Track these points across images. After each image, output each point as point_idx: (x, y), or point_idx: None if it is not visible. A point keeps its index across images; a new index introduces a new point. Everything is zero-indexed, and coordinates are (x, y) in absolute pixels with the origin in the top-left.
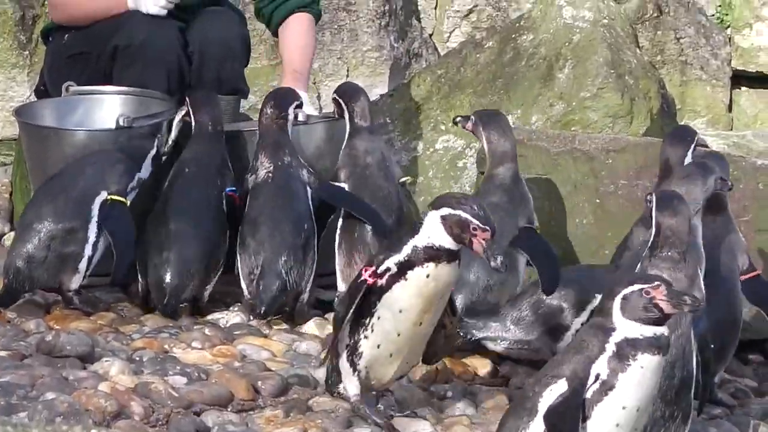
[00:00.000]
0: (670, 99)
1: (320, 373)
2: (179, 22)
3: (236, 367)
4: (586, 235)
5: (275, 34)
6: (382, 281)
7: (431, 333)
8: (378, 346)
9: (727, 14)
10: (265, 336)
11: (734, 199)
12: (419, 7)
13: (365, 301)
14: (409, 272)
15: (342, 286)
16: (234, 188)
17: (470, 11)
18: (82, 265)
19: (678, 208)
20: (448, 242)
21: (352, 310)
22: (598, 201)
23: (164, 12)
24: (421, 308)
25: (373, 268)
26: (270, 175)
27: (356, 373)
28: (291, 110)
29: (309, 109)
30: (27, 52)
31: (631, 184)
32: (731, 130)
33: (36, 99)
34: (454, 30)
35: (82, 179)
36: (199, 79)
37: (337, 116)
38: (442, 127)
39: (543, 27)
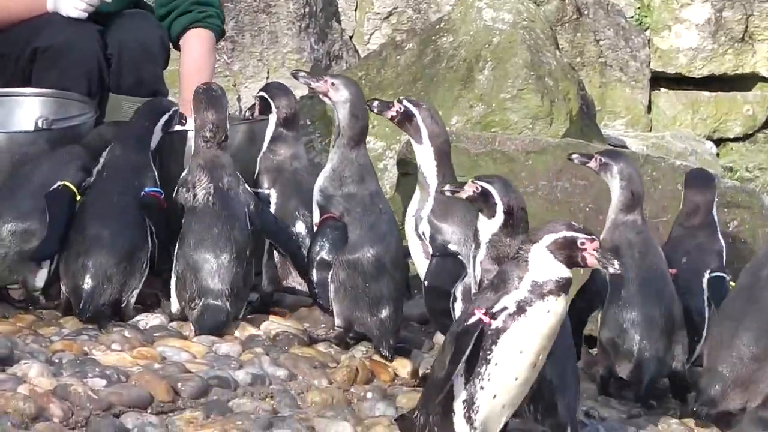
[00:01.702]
0: (590, 100)
1: (240, 375)
2: (98, 25)
3: (156, 369)
4: None
5: (177, 47)
6: (497, 322)
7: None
8: (494, 397)
9: (646, 16)
10: (186, 338)
11: (653, 199)
12: (339, 9)
13: (475, 347)
14: (529, 309)
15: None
16: (157, 189)
17: (390, 13)
18: (46, 262)
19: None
20: (562, 270)
21: (465, 358)
22: None
23: (84, 15)
24: (542, 346)
25: (484, 308)
26: (210, 197)
27: (473, 431)
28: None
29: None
30: None
31: (551, 185)
32: (650, 131)
33: None
34: (374, 32)
35: (39, 175)
36: (118, 81)
37: (258, 115)
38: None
39: (463, 29)
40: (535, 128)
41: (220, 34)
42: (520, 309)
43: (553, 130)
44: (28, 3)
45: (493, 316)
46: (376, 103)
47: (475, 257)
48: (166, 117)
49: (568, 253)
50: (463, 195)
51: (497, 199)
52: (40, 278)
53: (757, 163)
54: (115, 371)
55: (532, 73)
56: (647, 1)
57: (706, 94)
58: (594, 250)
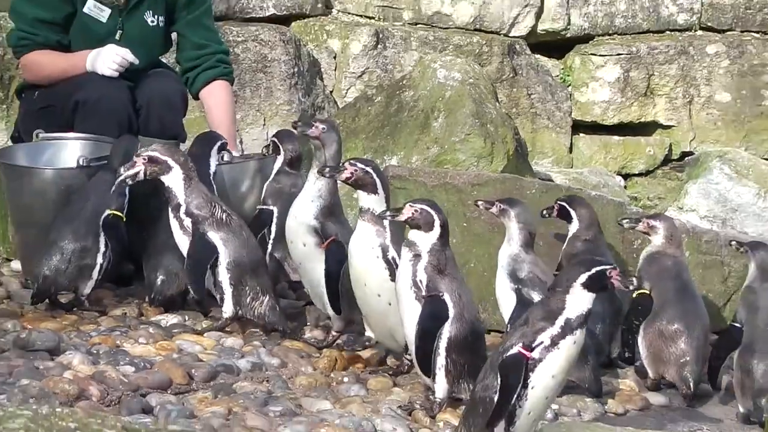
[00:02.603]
0: (523, 143)
1: (242, 363)
2: (128, 81)
3: (174, 358)
4: (456, 252)
5: (196, 97)
6: (535, 355)
7: None
8: (529, 413)
9: (568, 75)
10: (199, 333)
11: None
12: (322, 69)
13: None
14: (561, 342)
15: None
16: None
17: (363, 73)
18: (95, 273)
19: None
20: (591, 300)
21: (521, 385)
22: (465, 224)
23: (116, 74)
24: (568, 369)
25: (522, 343)
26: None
27: None
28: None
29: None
30: (4, 106)
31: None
32: (571, 167)
33: (12, 144)
34: (349, 88)
35: (89, 204)
36: (145, 127)
37: (270, 154)
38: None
39: (421, 85)
40: (479, 165)
41: (233, 81)
42: (554, 343)
43: (494, 167)
44: (71, 64)
45: (531, 350)
46: (327, 170)
47: (415, 264)
48: (218, 145)
49: (602, 285)
50: (403, 218)
51: (435, 216)
52: (89, 287)
53: (656, 193)
54: (142, 360)
55: (476, 120)
56: (569, 62)
57: (616, 138)
58: (617, 275)
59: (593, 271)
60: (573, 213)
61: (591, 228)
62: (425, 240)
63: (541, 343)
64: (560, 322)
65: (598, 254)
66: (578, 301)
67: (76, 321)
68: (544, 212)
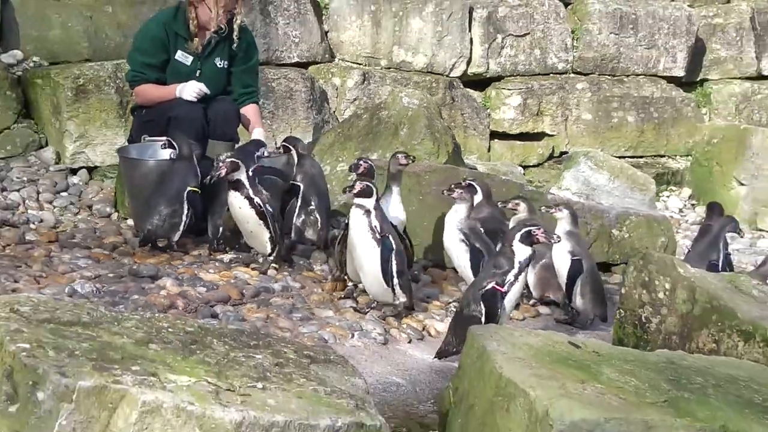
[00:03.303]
0: (458, 145)
1: (276, 286)
2: (203, 104)
3: (232, 282)
4: (415, 215)
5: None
6: (506, 288)
7: None
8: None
9: (487, 102)
10: (247, 266)
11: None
12: (328, 97)
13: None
14: (520, 277)
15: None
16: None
17: (355, 99)
18: (181, 227)
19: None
20: (528, 251)
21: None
22: (421, 197)
23: (195, 99)
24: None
25: (496, 283)
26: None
27: None
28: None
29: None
30: (123, 119)
31: (438, 190)
32: (489, 161)
33: (128, 144)
34: (346, 109)
35: (175, 182)
36: (213, 133)
37: (283, 152)
38: (341, 159)
39: (393, 107)
40: (430, 159)
41: (259, 103)
42: (516, 280)
43: (439, 160)
44: (166, 93)
45: (502, 286)
46: (351, 167)
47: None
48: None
49: (530, 239)
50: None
51: (373, 189)
52: (177, 236)
53: (544, 178)
54: (211, 283)
55: (428, 130)
56: (488, 93)
57: (518, 142)
58: (541, 233)
59: (523, 230)
60: (477, 187)
61: (489, 198)
62: (370, 202)
63: (508, 281)
64: (515, 266)
65: (497, 218)
66: (520, 251)
67: (168, 258)
68: (445, 192)
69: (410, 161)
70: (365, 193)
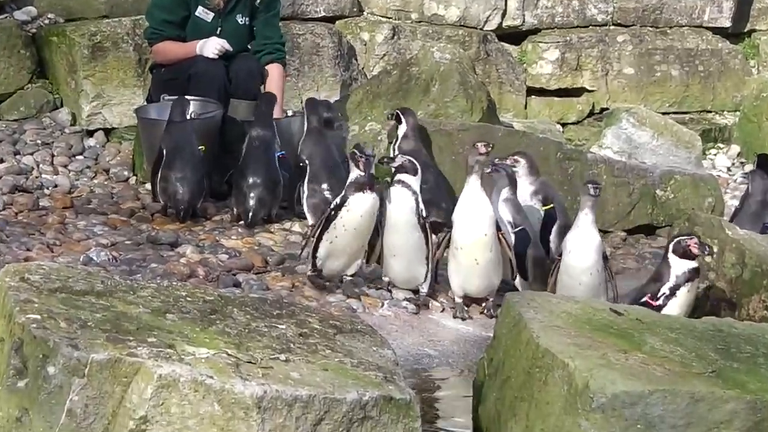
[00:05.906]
0: (493, 102)
1: (303, 253)
2: (225, 60)
3: (256, 249)
4: (448, 174)
5: None
6: (660, 302)
7: None
8: None
9: (524, 56)
10: (272, 232)
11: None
12: (356, 53)
13: None
14: (678, 292)
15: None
16: (283, 152)
17: (384, 55)
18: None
19: None
20: (689, 263)
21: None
22: (453, 157)
23: (216, 56)
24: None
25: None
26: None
27: None
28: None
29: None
30: (141, 78)
31: (470, 148)
32: (526, 119)
33: (146, 103)
34: (375, 65)
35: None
36: (235, 92)
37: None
38: (369, 117)
39: (423, 62)
40: (463, 117)
41: (285, 63)
42: (672, 293)
43: (473, 118)
44: (186, 50)
45: (656, 299)
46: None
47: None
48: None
49: (684, 252)
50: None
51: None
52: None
53: (584, 137)
54: (233, 250)
55: (461, 87)
56: (524, 48)
57: (557, 98)
58: (694, 244)
59: (674, 242)
60: (402, 118)
61: (415, 130)
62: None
63: (664, 294)
64: (673, 278)
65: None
66: (676, 264)
67: (189, 224)
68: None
69: (490, 149)
70: (408, 168)
